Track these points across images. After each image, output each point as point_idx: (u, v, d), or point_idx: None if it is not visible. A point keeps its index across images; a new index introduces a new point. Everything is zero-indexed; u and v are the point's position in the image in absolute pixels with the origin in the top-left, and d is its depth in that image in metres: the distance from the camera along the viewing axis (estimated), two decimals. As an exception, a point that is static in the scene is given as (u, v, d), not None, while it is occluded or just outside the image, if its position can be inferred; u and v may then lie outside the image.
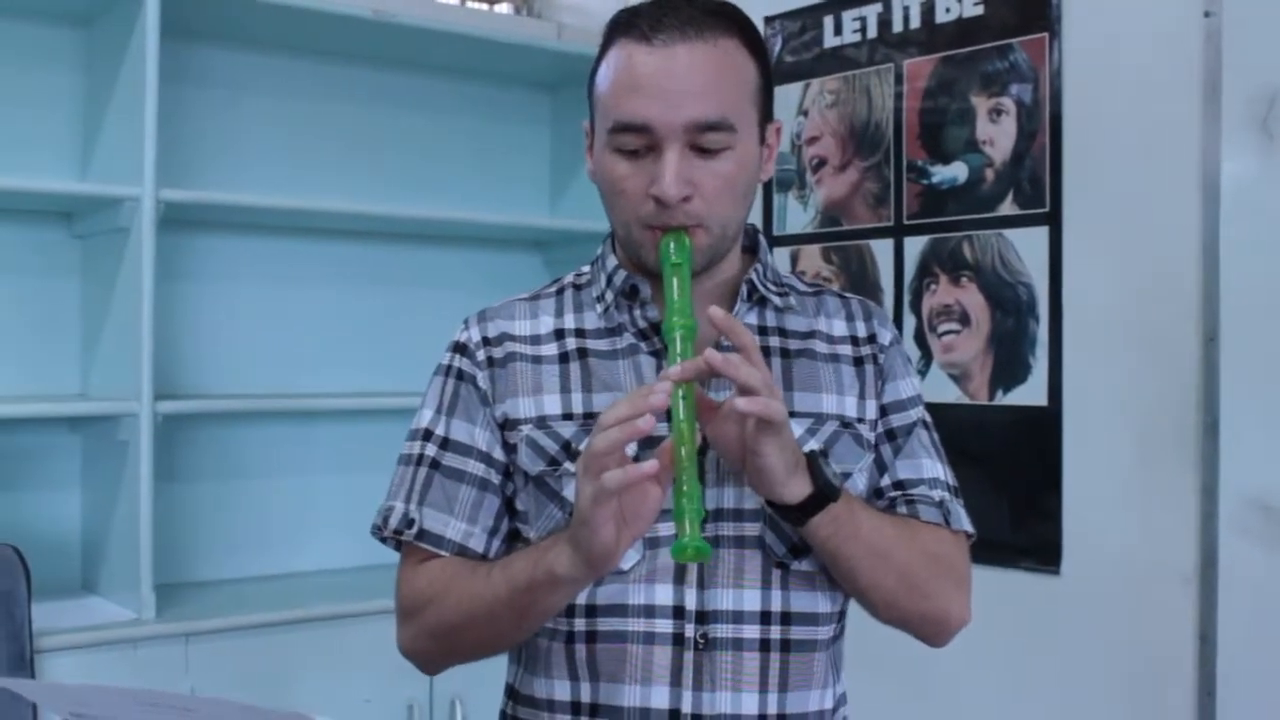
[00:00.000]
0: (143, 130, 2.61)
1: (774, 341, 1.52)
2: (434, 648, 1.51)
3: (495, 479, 1.50)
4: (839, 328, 1.57)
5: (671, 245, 1.40)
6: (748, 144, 1.44)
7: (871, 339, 1.57)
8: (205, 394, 3.01)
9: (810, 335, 1.54)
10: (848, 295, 1.62)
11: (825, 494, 1.35)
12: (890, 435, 1.55)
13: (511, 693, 1.55)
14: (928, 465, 1.55)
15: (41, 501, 2.85)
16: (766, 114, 1.48)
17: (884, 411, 1.55)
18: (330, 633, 2.77)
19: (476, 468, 1.50)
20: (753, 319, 1.53)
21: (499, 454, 1.50)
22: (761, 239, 1.57)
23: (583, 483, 1.26)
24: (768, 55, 1.49)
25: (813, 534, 1.39)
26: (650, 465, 1.23)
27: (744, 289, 1.51)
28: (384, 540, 1.53)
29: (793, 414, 1.44)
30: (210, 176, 2.99)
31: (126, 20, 2.65)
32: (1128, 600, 2.54)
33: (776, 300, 1.54)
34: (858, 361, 1.55)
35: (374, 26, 2.99)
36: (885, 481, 1.54)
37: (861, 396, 1.53)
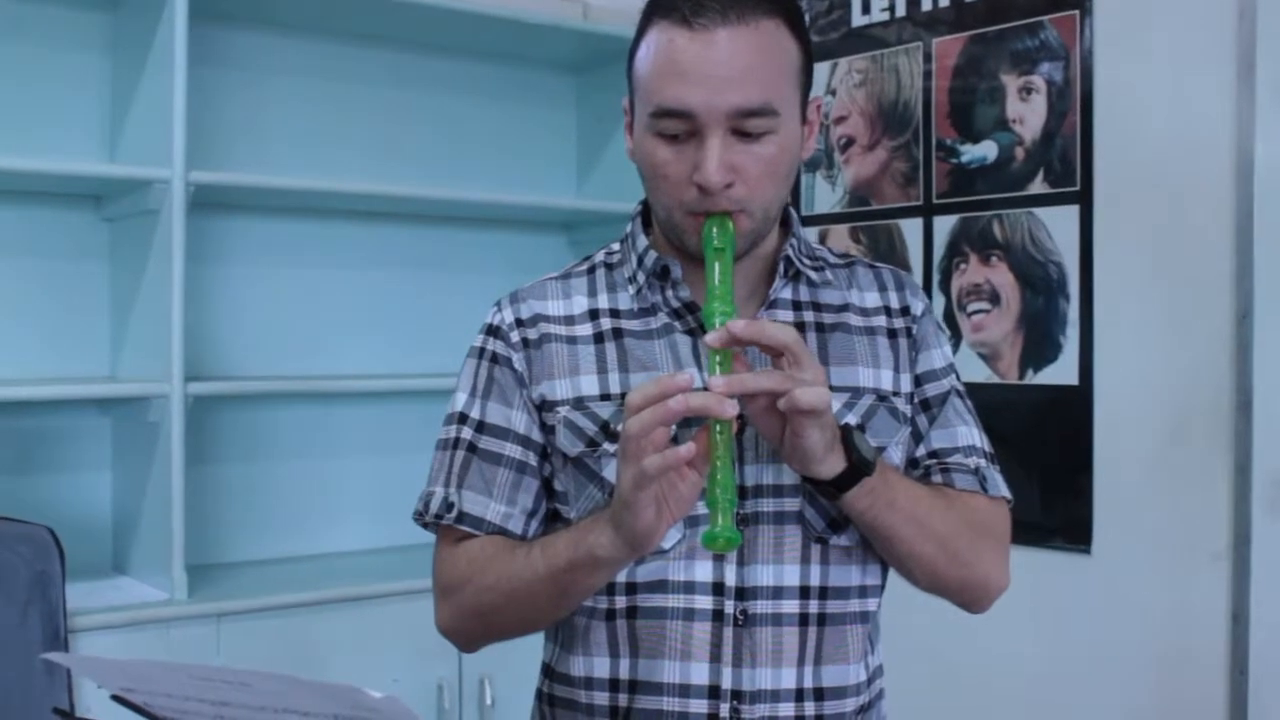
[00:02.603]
0: (171, 112, 2.61)
1: (809, 316, 1.52)
2: (473, 626, 1.52)
3: (533, 461, 1.51)
4: (871, 299, 1.56)
5: (714, 230, 1.39)
6: (790, 126, 1.42)
7: (905, 310, 1.56)
8: (235, 376, 3.01)
9: (844, 308, 1.54)
10: (878, 265, 1.61)
11: (860, 468, 1.36)
12: (925, 405, 1.55)
13: (548, 671, 1.56)
14: (963, 433, 1.54)
15: (72, 483, 2.86)
16: (808, 91, 1.47)
17: (918, 382, 1.55)
18: (360, 613, 2.78)
19: (514, 450, 1.50)
20: (788, 293, 1.52)
21: (536, 435, 1.50)
22: (792, 211, 1.56)
23: (623, 466, 1.26)
24: (808, 32, 1.48)
25: (849, 507, 1.39)
26: (687, 449, 1.23)
27: (781, 265, 1.50)
28: (426, 526, 1.54)
29: (829, 388, 1.44)
30: (239, 159, 2.99)
31: (154, 3, 2.65)
32: (1159, 579, 2.53)
33: (812, 274, 1.53)
34: (891, 334, 1.55)
35: (401, 7, 2.99)
36: (921, 451, 1.54)
37: (897, 369, 1.53)
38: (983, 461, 1.54)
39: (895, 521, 1.42)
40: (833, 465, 1.35)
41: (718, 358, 1.31)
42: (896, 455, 1.51)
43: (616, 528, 1.30)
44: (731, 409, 1.25)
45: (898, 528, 1.42)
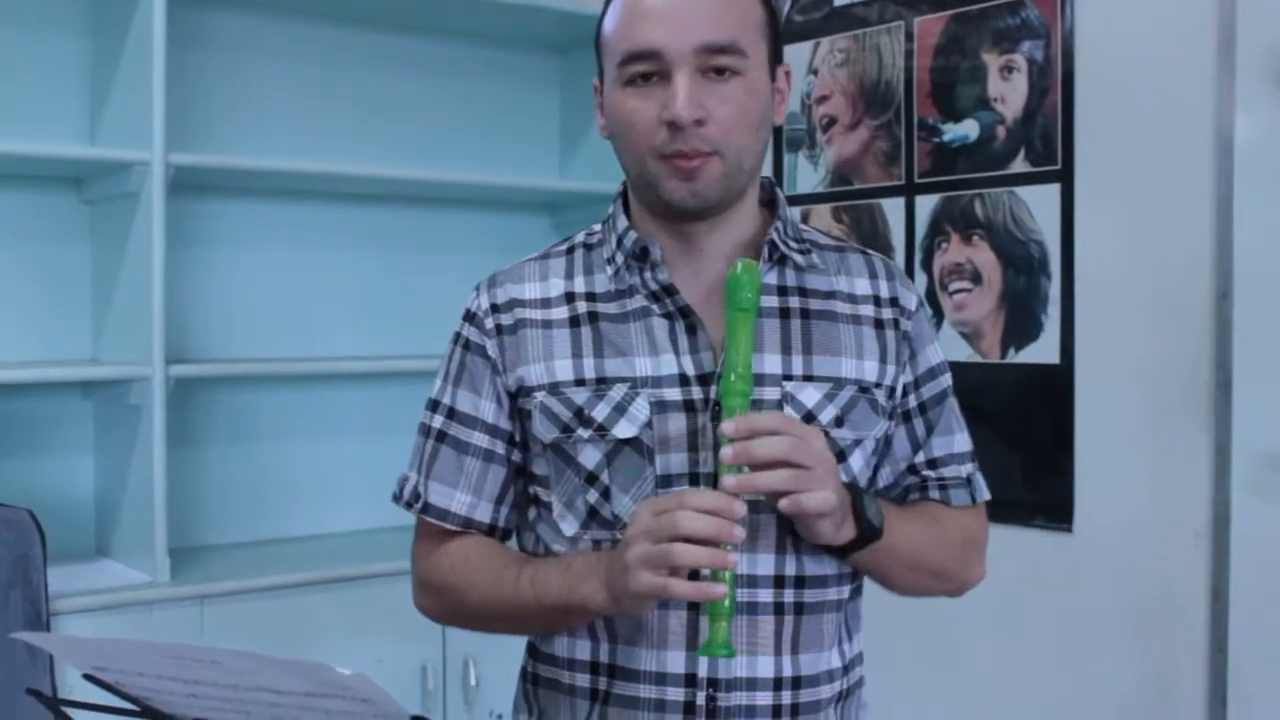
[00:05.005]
0: (151, 94, 2.60)
1: (794, 301, 1.50)
2: (455, 622, 1.60)
3: (500, 449, 1.52)
4: (861, 286, 1.54)
5: (744, 276, 1.35)
6: (758, 73, 1.43)
7: (894, 301, 1.54)
8: (216, 358, 3.01)
9: (831, 295, 1.51)
10: (870, 252, 1.59)
11: (869, 535, 1.39)
12: (922, 409, 1.54)
13: (532, 650, 1.56)
14: (959, 439, 1.57)
15: (55, 466, 2.86)
16: (775, 55, 1.48)
17: (916, 384, 1.54)
18: (343, 594, 2.78)
19: (481, 439, 1.51)
20: (773, 279, 1.50)
21: (505, 424, 1.51)
22: (779, 192, 1.55)
23: (639, 566, 1.28)
24: (773, 2, 1.50)
25: (853, 560, 1.45)
26: (722, 590, 1.28)
27: (765, 249, 1.49)
28: (404, 507, 1.57)
29: (810, 378, 1.45)
30: (219, 140, 2.99)
31: (133, -17, 2.65)
32: (1140, 558, 2.54)
33: (798, 259, 1.51)
34: (879, 324, 1.52)
35: (382, -12, 2.99)
36: (920, 458, 1.55)
37: (882, 360, 1.51)
38: (972, 467, 1.57)
39: (894, 565, 1.47)
40: (844, 535, 1.39)
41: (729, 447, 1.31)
42: (871, 447, 1.51)
43: (613, 598, 1.34)
44: (740, 532, 1.28)
45: (896, 570, 1.48)
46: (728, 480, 1.29)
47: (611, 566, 1.33)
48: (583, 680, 1.47)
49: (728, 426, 1.30)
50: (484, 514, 1.51)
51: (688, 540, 1.26)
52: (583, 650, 1.47)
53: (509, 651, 1.64)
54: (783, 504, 1.30)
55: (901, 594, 1.54)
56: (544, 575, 1.42)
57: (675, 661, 1.42)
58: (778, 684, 1.44)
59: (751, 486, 1.30)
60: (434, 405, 1.55)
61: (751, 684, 1.43)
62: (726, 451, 1.29)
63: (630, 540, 1.30)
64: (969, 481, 1.55)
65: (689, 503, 1.28)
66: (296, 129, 3.14)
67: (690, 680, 1.42)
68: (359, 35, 3.25)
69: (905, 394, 1.53)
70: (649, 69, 1.40)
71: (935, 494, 1.55)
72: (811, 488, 1.30)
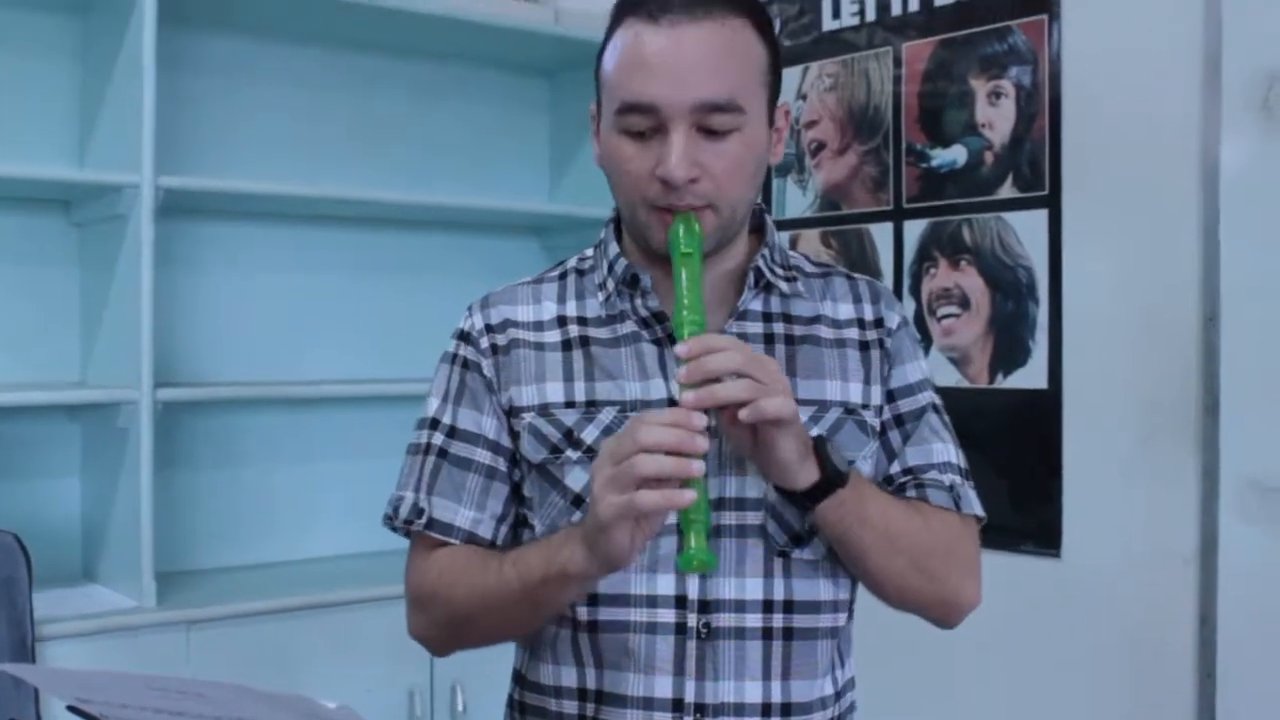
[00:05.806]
0: (140, 117, 2.60)
1: (779, 328, 1.51)
2: (445, 635, 1.53)
3: (502, 466, 1.51)
4: (845, 310, 1.55)
5: (681, 230, 1.38)
6: (756, 125, 1.42)
7: (879, 322, 1.55)
8: (205, 381, 3.00)
9: (815, 320, 1.53)
10: (856, 276, 1.60)
11: (834, 480, 1.36)
12: (899, 421, 1.53)
13: (519, 678, 1.56)
14: (938, 449, 1.53)
15: (41, 490, 2.85)
16: (775, 95, 1.47)
17: (891, 397, 1.53)
18: (331, 620, 2.77)
19: (484, 455, 1.50)
20: (758, 305, 1.51)
21: (505, 441, 1.51)
22: (768, 219, 1.56)
23: (605, 491, 1.25)
24: (776, 37, 1.49)
25: (821, 519, 1.39)
26: (692, 496, 1.23)
27: (751, 276, 1.50)
28: (395, 530, 1.54)
29: (796, 402, 1.44)
30: (208, 163, 2.98)
31: (123, 7, 2.64)
32: (1128, 583, 2.54)
33: (784, 286, 1.52)
34: (864, 346, 1.53)
35: (372, 12, 2.98)
36: (895, 468, 1.52)
37: (867, 382, 1.52)
38: (958, 478, 1.53)
39: (866, 536, 1.42)
40: (807, 476, 1.35)
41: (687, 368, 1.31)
42: (865, 469, 1.50)
43: (590, 548, 1.30)
44: (702, 442, 1.25)
45: (869, 543, 1.42)
46: (686, 396, 1.27)
47: (587, 528, 1.31)
48: (570, 707, 1.46)
49: (681, 348, 1.29)
50: (486, 530, 1.50)
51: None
52: (569, 677, 1.47)
53: (497, 677, 1.63)
54: (742, 414, 1.28)
55: (889, 594, 1.49)
56: (525, 555, 1.41)
57: (662, 686, 1.41)
58: (766, 710, 1.43)
59: (711, 398, 1.28)
60: (432, 424, 1.53)
61: (739, 709, 1.42)
62: (682, 371, 1.29)
63: (595, 470, 1.28)
64: (952, 489, 1.51)
65: (648, 418, 1.26)
66: (285, 152, 3.15)
67: (677, 705, 1.41)
68: (348, 58, 3.25)
69: (881, 406, 1.53)
70: (645, 124, 1.39)
71: (912, 493, 1.51)
72: (769, 395, 1.29)
